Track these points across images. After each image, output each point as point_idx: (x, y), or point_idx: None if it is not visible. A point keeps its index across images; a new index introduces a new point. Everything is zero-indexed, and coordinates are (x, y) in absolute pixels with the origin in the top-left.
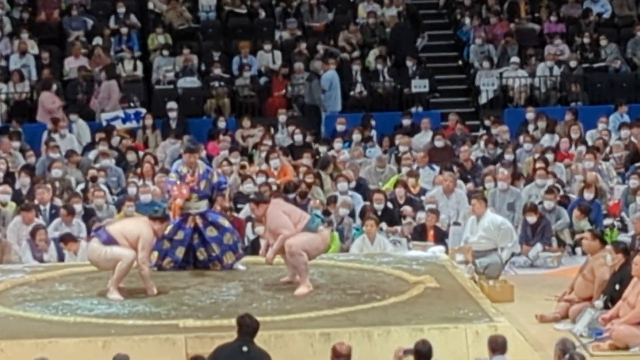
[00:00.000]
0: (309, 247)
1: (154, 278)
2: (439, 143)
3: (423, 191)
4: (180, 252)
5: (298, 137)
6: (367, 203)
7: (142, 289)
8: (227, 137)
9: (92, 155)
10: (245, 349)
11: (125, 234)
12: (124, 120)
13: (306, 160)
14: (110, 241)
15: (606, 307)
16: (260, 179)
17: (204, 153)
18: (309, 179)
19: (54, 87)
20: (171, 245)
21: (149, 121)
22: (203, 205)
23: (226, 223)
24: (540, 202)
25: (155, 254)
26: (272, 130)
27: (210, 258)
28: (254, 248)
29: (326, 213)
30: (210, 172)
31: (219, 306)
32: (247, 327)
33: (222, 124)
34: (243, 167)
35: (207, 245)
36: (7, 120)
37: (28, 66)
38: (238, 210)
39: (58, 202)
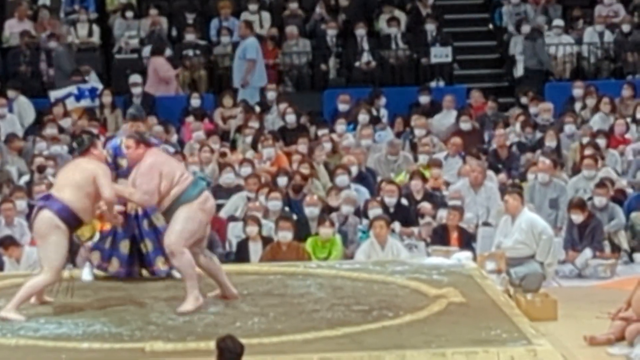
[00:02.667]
0: (189, 234)
1: (107, 290)
2: (465, 125)
3: (445, 184)
4: (125, 246)
5: (291, 118)
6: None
7: (100, 304)
8: (204, 118)
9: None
10: None
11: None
12: (78, 98)
13: (302, 146)
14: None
15: None
16: (245, 170)
17: (174, 137)
18: (305, 169)
19: (167, 51)
20: (114, 242)
21: (107, 99)
22: None
23: (160, 223)
24: (590, 198)
25: (97, 254)
26: (257, 109)
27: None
28: (239, 254)
29: (328, 210)
30: (158, 147)
31: (194, 326)
32: (229, 351)
33: (196, 101)
34: (223, 155)
35: (142, 239)
36: None
37: None
38: (218, 207)
39: None
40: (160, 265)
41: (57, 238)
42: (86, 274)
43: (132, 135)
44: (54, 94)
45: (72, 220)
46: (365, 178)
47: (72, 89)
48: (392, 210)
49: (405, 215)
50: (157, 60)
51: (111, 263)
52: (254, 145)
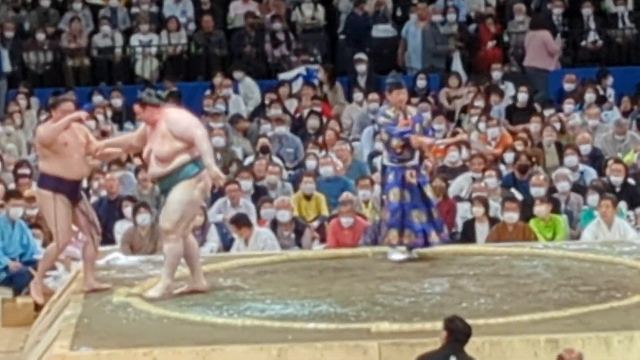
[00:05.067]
0: (183, 215)
1: (333, 271)
2: None
3: None
4: (416, 216)
5: (523, 97)
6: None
7: (326, 284)
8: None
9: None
10: (453, 359)
11: None
12: (306, 79)
13: (534, 125)
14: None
15: None
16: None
17: None
18: (531, 150)
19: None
20: (403, 214)
21: (321, 75)
22: (417, 156)
23: (431, 195)
24: None
25: (394, 232)
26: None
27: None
28: (465, 234)
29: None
30: (422, 116)
31: (420, 306)
32: (458, 332)
33: (422, 82)
34: (455, 133)
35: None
36: (159, 78)
37: (185, 12)
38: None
39: None
40: (433, 236)
41: (48, 206)
42: (395, 254)
43: (135, 100)
44: (283, 76)
45: (55, 184)
46: (598, 157)
47: (301, 70)
48: (618, 190)
49: (632, 195)
50: (544, 34)
51: (406, 235)
52: (476, 125)
